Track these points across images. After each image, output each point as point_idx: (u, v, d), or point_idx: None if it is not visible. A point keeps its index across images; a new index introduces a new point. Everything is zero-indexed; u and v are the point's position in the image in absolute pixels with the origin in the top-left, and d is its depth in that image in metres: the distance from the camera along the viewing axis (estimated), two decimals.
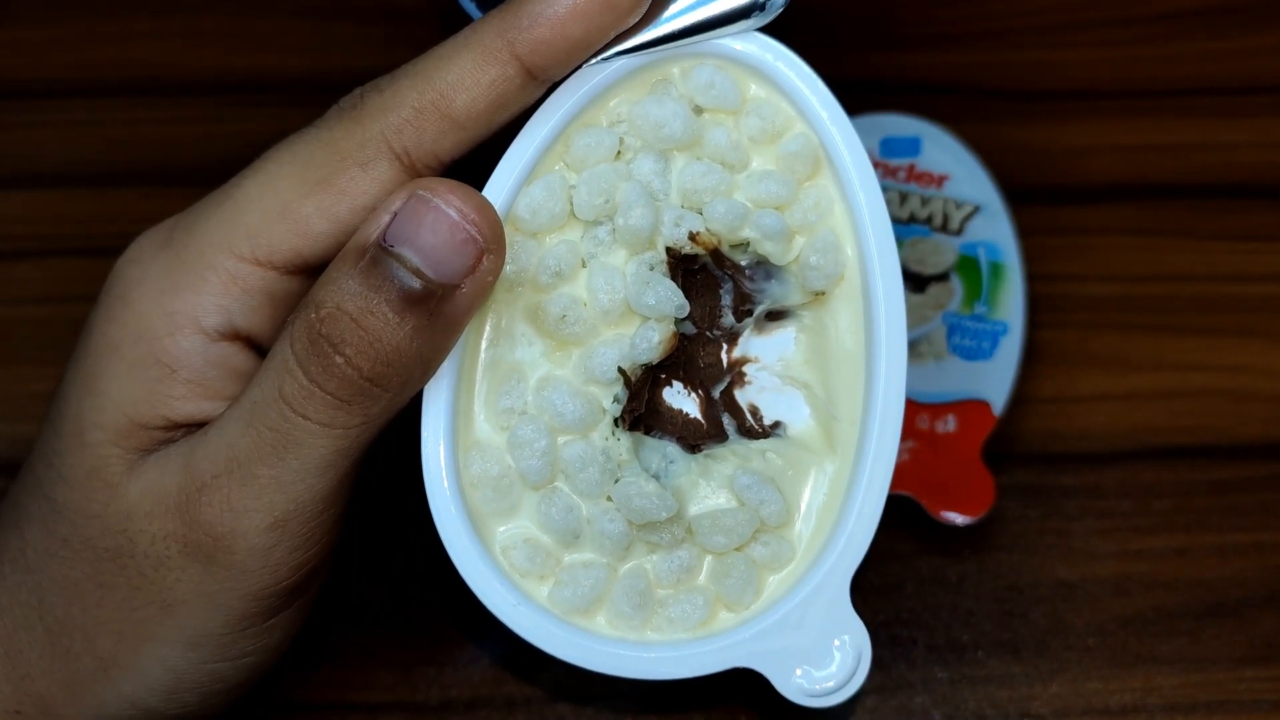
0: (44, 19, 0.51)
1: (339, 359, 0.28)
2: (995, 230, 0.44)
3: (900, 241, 0.44)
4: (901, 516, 0.41)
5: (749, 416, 0.31)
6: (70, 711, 0.31)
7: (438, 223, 0.28)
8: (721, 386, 0.31)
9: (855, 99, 0.47)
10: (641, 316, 0.30)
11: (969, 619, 0.41)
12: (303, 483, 0.29)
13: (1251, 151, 0.48)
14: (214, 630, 0.30)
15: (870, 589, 0.41)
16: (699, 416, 0.31)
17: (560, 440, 0.30)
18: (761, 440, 0.31)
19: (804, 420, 0.31)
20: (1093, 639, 0.41)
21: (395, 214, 0.28)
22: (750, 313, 0.31)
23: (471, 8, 0.34)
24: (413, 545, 0.42)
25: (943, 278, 0.44)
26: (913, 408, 0.42)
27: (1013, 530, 0.42)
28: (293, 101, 0.49)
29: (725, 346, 0.31)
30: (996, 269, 0.44)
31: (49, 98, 0.49)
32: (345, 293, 0.28)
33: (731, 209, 0.30)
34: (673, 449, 0.31)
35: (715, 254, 0.31)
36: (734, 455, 0.31)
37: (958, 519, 0.40)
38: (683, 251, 0.30)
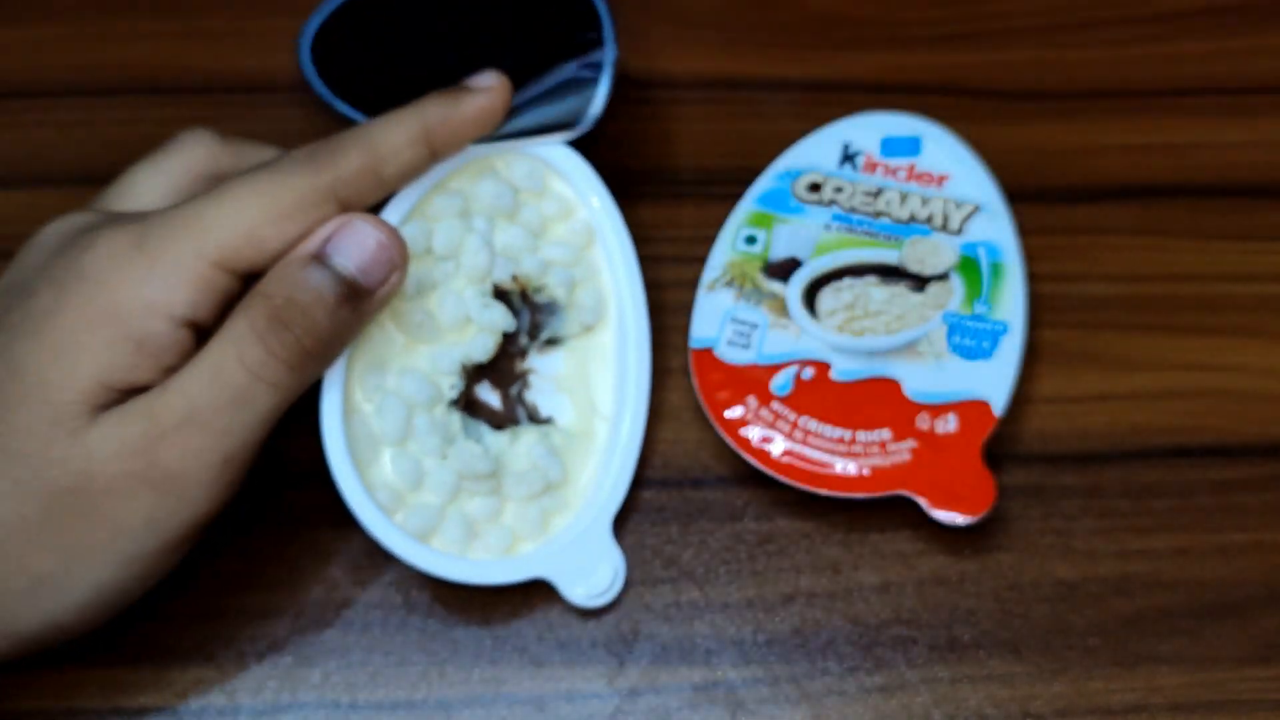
0: (44, 19, 0.51)
1: (290, 336, 0.37)
2: (996, 230, 0.44)
3: (900, 241, 0.44)
4: (902, 516, 0.41)
5: (532, 410, 0.43)
6: None
7: (366, 241, 0.38)
8: (515, 389, 0.43)
9: (855, 99, 0.48)
10: (478, 328, 0.42)
11: (970, 618, 0.41)
12: (248, 431, 0.37)
13: (1251, 151, 0.48)
14: (150, 551, 0.37)
15: (870, 588, 0.41)
16: (501, 407, 0.43)
17: (414, 411, 0.40)
18: (545, 426, 0.42)
19: (570, 416, 0.43)
20: (1094, 638, 0.41)
21: (333, 234, 0.38)
22: (536, 337, 0.43)
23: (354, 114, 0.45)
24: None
25: (943, 277, 0.44)
26: (913, 407, 0.42)
27: (1013, 530, 0.42)
28: (292, 101, 0.49)
29: (519, 360, 0.43)
30: (997, 268, 0.44)
31: (49, 98, 0.49)
32: (298, 286, 0.37)
33: (537, 264, 0.43)
34: (485, 429, 0.42)
35: (523, 292, 0.43)
36: (530, 434, 0.42)
37: (958, 519, 0.40)
38: (503, 288, 0.42)
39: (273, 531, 0.43)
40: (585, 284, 0.43)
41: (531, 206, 0.43)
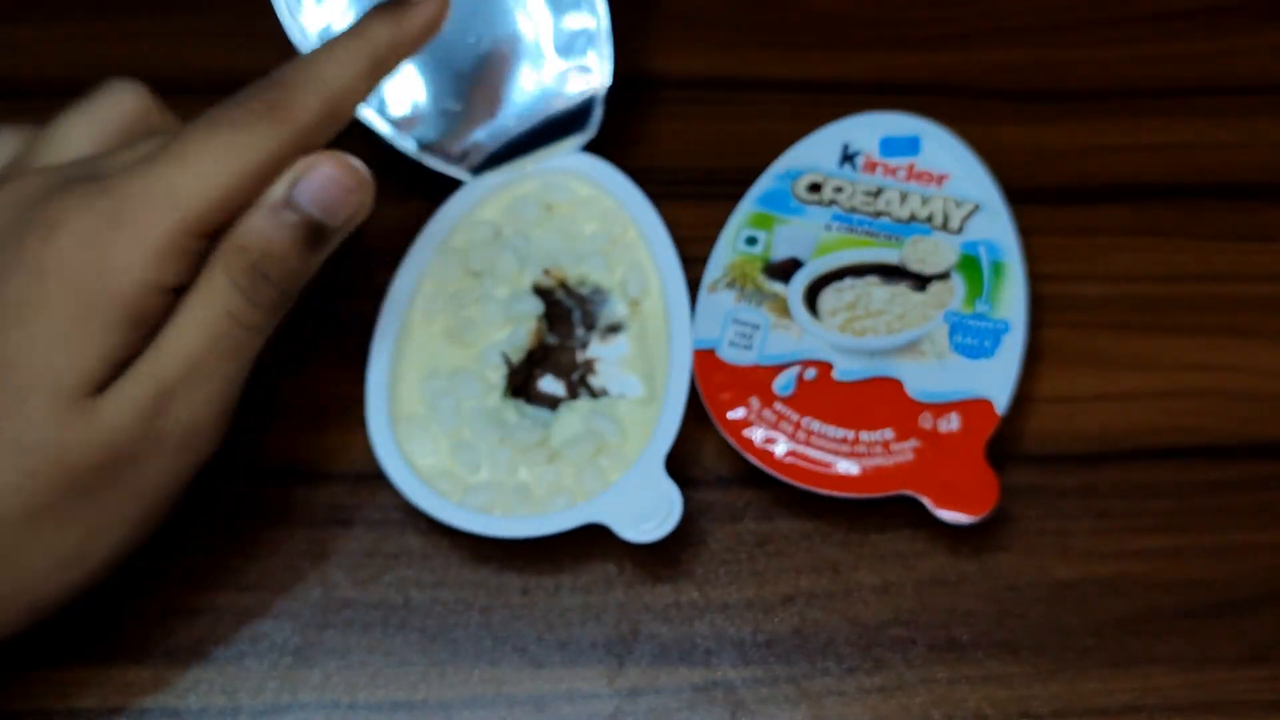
0: (44, 19, 0.51)
1: (269, 285, 0.38)
2: (996, 229, 0.44)
3: (900, 240, 0.44)
4: (901, 517, 0.41)
5: (599, 393, 0.44)
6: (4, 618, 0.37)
7: (330, 184, 0.38)
8: (578, 374, 0.44)
9: (855, 99, 0.48)
10: (515, 321, 0.44)
11: (968, 619, 0.41)
12: (239, 376, 0.39)
13: (1250, 152, 0.48)
14: (161, 506, 0.39)
15: (870, 589, 0.42)
16: (565, 395, 0.44)
17: (466, 405, 0.43)
18: (604, 398, 0.44)
19: (637, 390, 0.43)
20: (1091, 639, 0.41)
21: (299, 178, 0.38)
22: (593, 327, 0.45)
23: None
24: (408, 547, 0.42)
25: (944, 276, 0.44)
26: (916, 407, 0.42)
27: (1012, 530, 0.42)
28: None
29: (579, 351, 0.44)
30: (998, 267, 0.44)
31: (49, 98, 0.49)
32: (271, 238, 0.38)
33: (571, 255, 0.45)
34: (544, 411, 0.44)
35: (564, 285, 0.45)
36: (585, 405, 0.43)
37: (962, 518, 0.40)
38: (543, 286, 0.45)
39: (273, 531, 0.43)
40: (624, 262, 0.45)
41: (564, 215, 0.46)
